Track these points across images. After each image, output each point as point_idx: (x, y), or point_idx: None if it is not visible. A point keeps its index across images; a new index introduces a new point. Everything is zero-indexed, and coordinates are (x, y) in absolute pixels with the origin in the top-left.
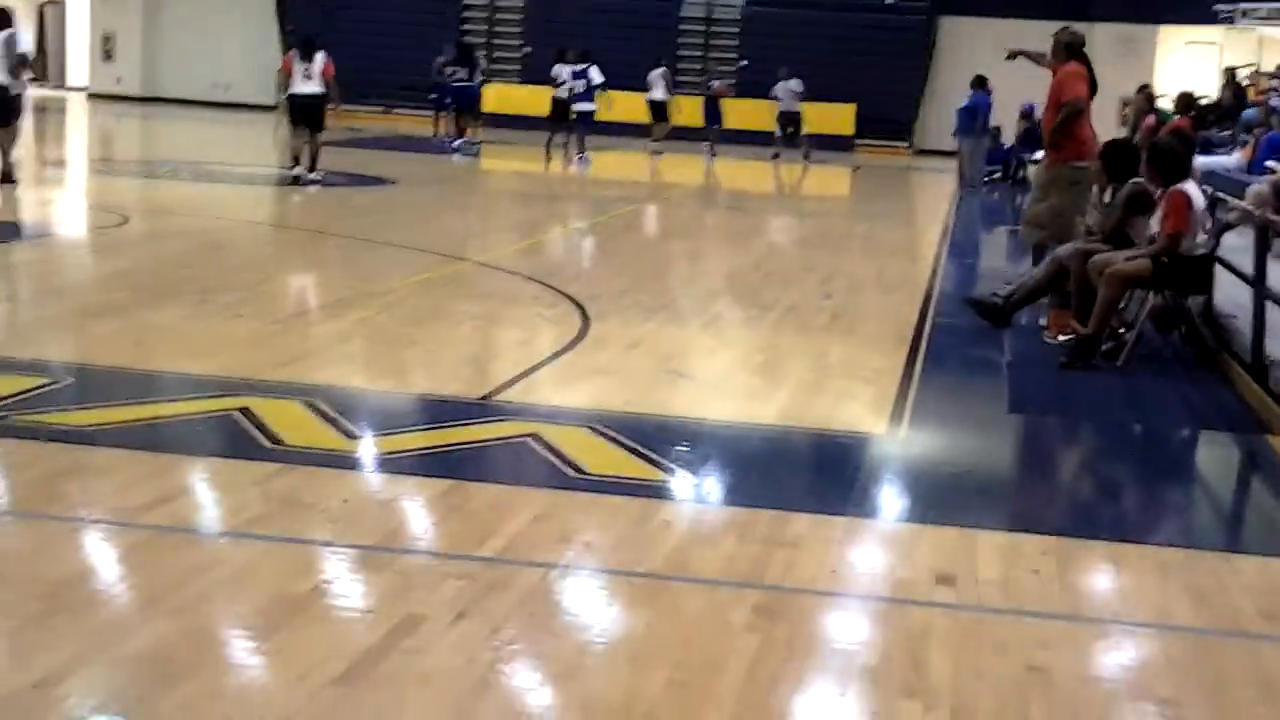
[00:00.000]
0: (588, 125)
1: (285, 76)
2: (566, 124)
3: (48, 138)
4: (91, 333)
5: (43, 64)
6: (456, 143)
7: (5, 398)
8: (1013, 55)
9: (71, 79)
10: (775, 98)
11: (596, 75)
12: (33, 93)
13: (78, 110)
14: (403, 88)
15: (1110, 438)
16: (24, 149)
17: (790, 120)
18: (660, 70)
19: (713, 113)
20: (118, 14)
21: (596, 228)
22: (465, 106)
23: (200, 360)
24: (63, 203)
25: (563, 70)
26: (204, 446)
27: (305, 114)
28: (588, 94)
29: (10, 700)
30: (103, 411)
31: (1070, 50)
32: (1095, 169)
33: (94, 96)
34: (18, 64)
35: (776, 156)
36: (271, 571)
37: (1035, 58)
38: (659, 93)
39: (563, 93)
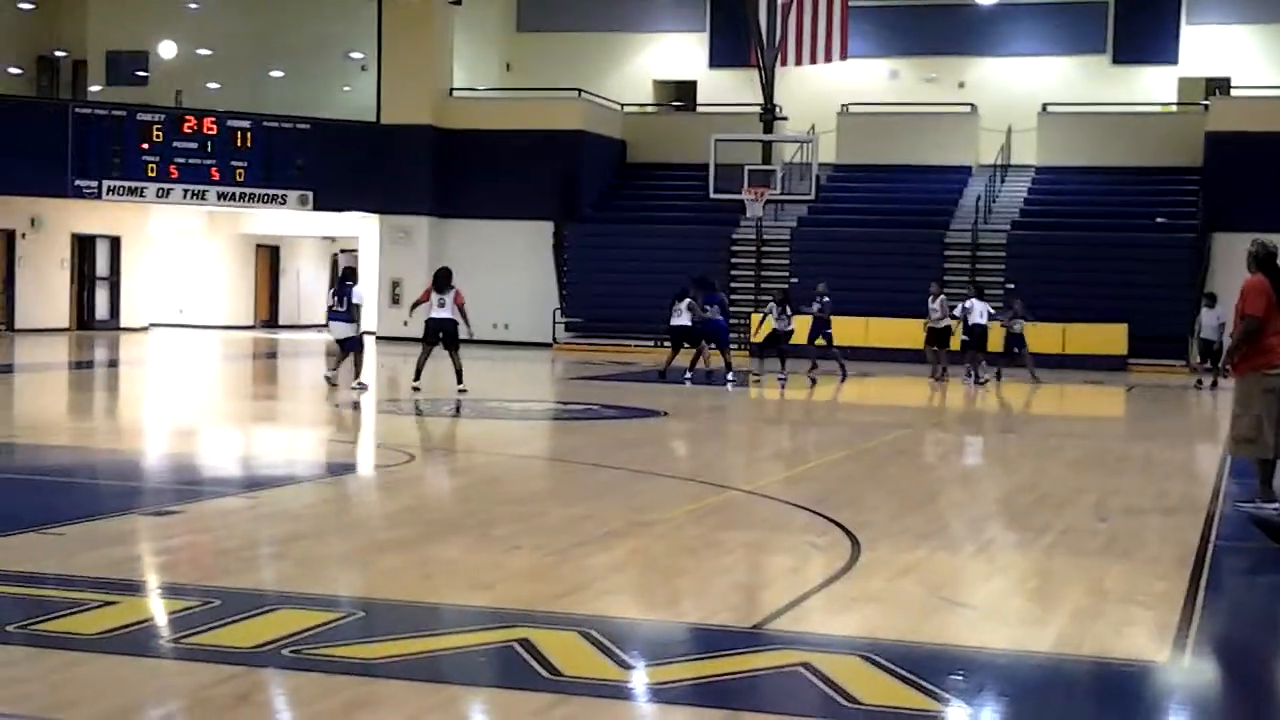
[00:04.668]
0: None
1: (419, 303)
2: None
3: (340, 380)
4: (379, 567)
5: None
6: (729, 375)
7: (298, 633)
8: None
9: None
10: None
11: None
12: (325, 337)
13: (368, 352)
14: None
15: None
16: (318, 391)
17: (1208, 349)
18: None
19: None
20: (405, 261)
21: (865, 454)
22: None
23: (481, 592)
24: (353, 442)
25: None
26: (485, 678)
27: (441, 336)
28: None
29: None
30: (389, 644)
31: (1257, 261)
32: None
33: (382, 339)
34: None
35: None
36: None
37: None
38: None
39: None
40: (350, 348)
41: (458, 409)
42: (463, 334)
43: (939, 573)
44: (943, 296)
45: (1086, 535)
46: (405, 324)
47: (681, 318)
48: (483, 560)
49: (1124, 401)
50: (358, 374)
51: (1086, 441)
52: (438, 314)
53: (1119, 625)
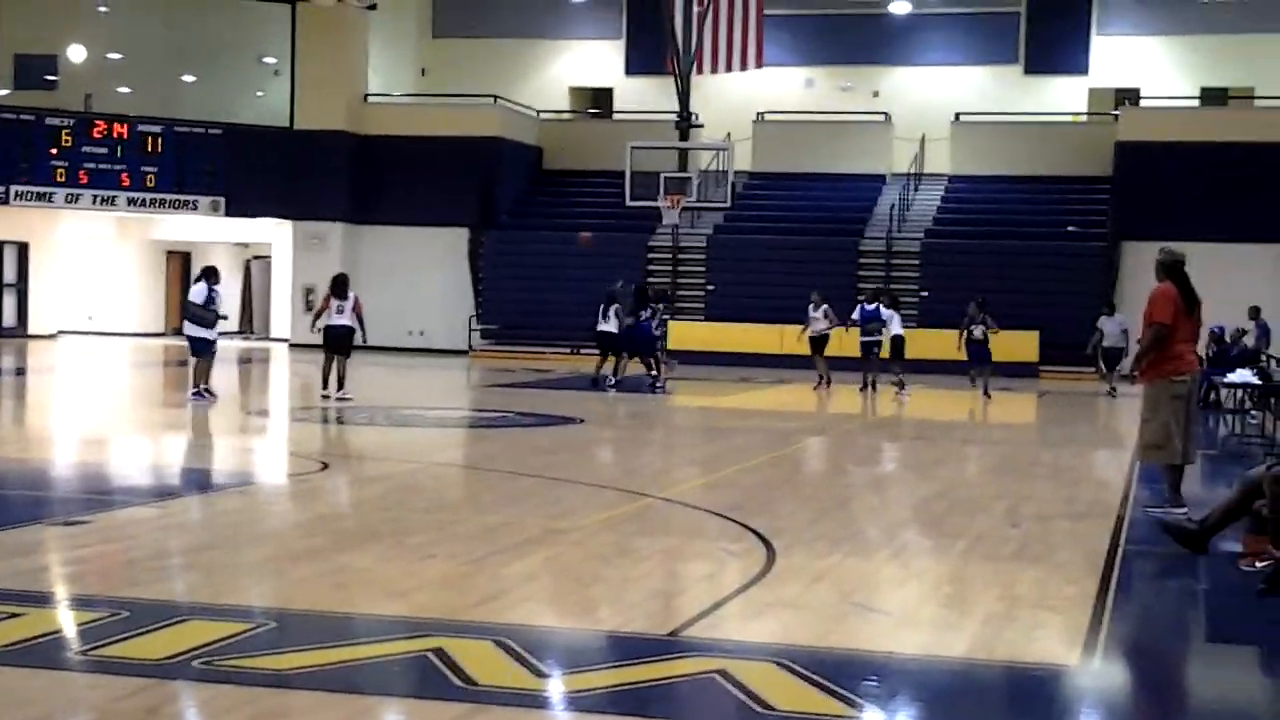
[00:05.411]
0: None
1: (320, 312)
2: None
3: (251, 388)
4: (291, 576)
5: (248, 316)
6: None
7: (209, 644)
8: None
9: (275, 330)
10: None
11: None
12: (237, 344)
13: (280, 360)
14: (590, 329)
15: None
16: (231, 399)
17: (1116, 357)
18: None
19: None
20: (318, 268)
21: (781, 460)
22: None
23: (396, 601)
24: (266, 450)
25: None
26: (399, 688)
27: (338, 343)
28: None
29: None
30: (302, 655)
31: (1165, 270)
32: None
33: (295, 346)
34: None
35: (1114, 393)
36: None
37: None
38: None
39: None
40: (193, 349)
41: (341, 416)
42: (358, 340)
43: (853, 579)
44: (825, 305)
45: (999, 541)
46: (314, 331)
47: (608, 324)
48: (397, 569)
49: (1035, 408)
50: (195, 380)
51: (999, 448)
52: (336, 320)
53: (1030, 629)
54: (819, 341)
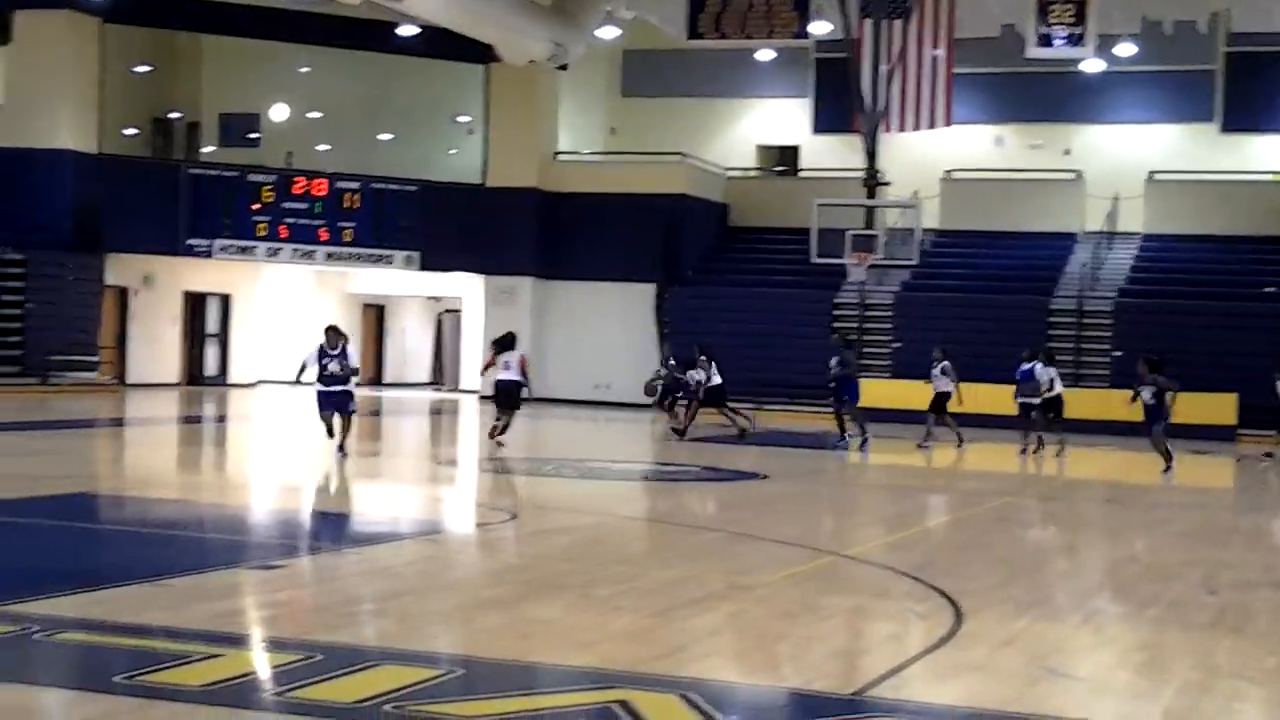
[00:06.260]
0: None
1: (488, 367)
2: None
3: (442, 438)
4: (479, 625)
5: (439, 368)
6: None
7: (399, 689)
8: None
9: (465, 382)
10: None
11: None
12: (428, 395)
13: (470, 411)
14: (770, 384)
15: None
16: (421, 448)
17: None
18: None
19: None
20: (508, 321)
21: (967, 520)
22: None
23: (581, 652)
24: (455, 500)
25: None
26: None
27: (507, 397)
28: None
29: None
30: (489, 703)
31: None
32: None
33: (485, 398)
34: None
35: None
36: None
37: None
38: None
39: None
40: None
41: (527, 468)
42: (524, 394)
43: (1043, 643)
44: (946, 362)
45: (1195, 608)
46: (482, 385)
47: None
48: (583, 620)
49: (1232, 472)
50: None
51: (1194, 513)
52: (504, 376)
53: (1229, 701)
54: (938, 400)
